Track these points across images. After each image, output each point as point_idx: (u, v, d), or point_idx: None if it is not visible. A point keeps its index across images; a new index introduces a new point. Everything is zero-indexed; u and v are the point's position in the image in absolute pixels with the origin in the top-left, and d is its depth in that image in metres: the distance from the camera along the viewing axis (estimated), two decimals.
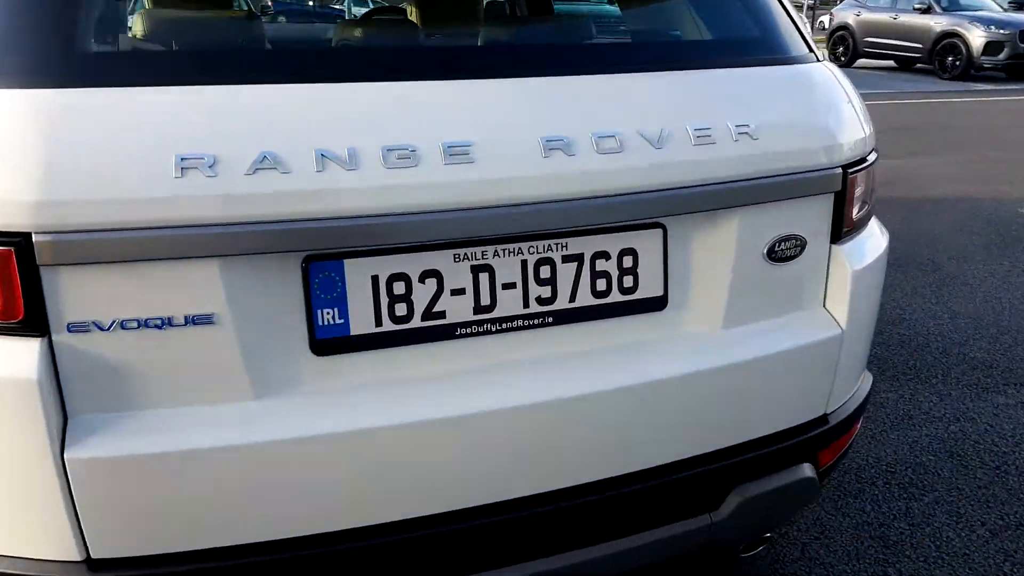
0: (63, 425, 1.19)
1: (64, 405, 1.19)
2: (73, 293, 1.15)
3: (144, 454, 1.20)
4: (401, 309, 1.32)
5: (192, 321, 1.20)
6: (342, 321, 1.30)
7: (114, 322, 1.18)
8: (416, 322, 1.33)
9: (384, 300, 1.31)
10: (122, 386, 1.21)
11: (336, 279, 1.28)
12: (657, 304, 1.48)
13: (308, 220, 1.20)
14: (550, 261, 1.38)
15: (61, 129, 1.13)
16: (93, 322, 1.17)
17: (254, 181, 1.17)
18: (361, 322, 1.31)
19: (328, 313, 1.29)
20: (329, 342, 1.30)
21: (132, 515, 1.22)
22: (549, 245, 1.38)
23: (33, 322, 1.15)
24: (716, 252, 1.49)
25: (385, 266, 1.30)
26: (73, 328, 1.17)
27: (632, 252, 1.43)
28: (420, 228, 1.26)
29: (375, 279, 1.30)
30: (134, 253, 1.15)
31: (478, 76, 1.34)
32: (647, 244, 1.44)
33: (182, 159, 1.15)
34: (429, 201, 1.25)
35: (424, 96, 1.30)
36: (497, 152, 1.28)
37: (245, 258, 1.21)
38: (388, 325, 1.32)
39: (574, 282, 1.41)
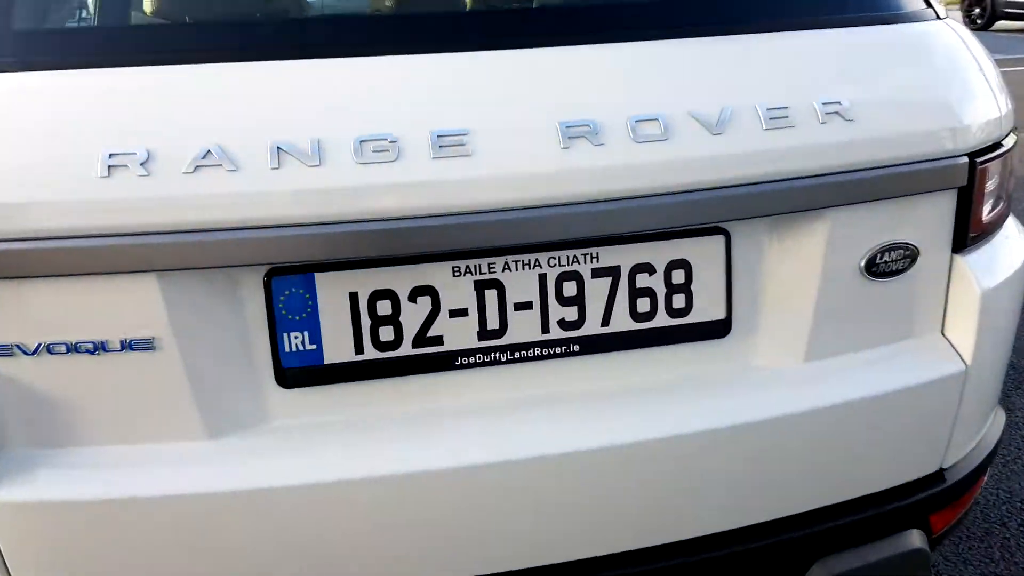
0: None
1: None
2: None
3: (77, 500, 1.04)
4: (387, 333, 1.08)
5: (129, 346, 1.02)
6: (314, 347, 1.07)
7: (40, 346, 1.01)
8: (406, 349, 1.09)
9: (366, 322, 1.07)
10: (56, 419, 1.05)
11: (306, 297, 1.06)
12: (718, 330, 1.18)
13: (262, 228, 0.99)
14: (576, 276, 1.11)
15: None
16: (16, 345, 1.01)
17: (195, 181, 0.97)
18: (337, 348, 1.08)
19: (296, 338, 1.07)
20: (298, 372, 1.08)
21: (69, 567, 1.06)
22: (574, 256, 1.10)
23: None
24: (796, 265, 1.18)
25: (366, 281, 1.06)
26: None
27: (684, 265, 1.14)
28: (404, 237, 1.01)
29: (354, 297, 1.06)
30: (57, 266, 0.98)
31: (476, 47, 1.09)
32: (704, 254, 1.14)
33: (110, 155, 0.96)
34: (413, 204, 1.00)
35: (407, 74, 1.06)
36: (501, 142, 1.02)
37: (190, 273, 1.01)
38: (371, 352, 1.09)
39: (608, 302, 1.13)
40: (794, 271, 1.18)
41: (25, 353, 1.01)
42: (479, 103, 1.04)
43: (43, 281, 0.98)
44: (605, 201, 1.05)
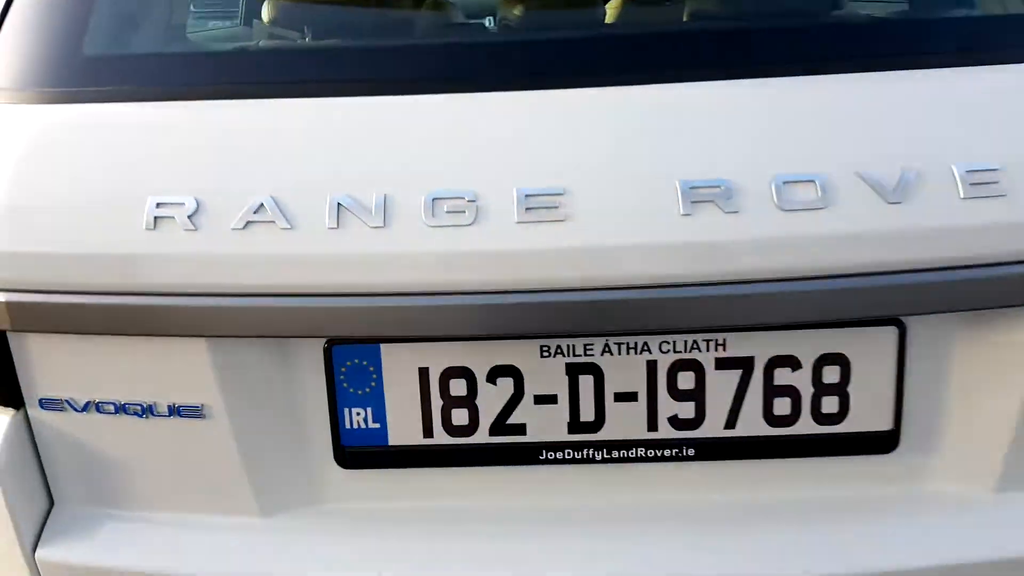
0: (46, 511, 0.99)
1: (49, 490, 1.00)
2: (41, 364, 0.93)
3: (123, 569, 0.96)
4: (460, 417, 0.92)
5: (178, 412, 0.92)
6: (378, 426, 0.93)
7: (89, 403, 0.94)
8: (482, 436, 0.93)
9: (436, 403, 0.92)
10: (107, 480, 0.98)
11: (370, 369, 0.91)
12: (881, 443, 0.93)
13: (318, 295, 0.85)
14: (694, 366, 0.90)
15: (18, 158, 0.91)
16: (67, 400, 0.95)
17: (245, 239, 0.85)
18: (404, 430, 0.93)
19: (359, 414, 0.93)
20: (359, 452, 0.94)
21: None
22: (694, 342, 0.89)
23: (5, 392, 0.95)
24: (992, 371, 0.90)
25: (438, 356, 0.91)
26: (46, 404, 0.95)
27: (840, 360, 0.90)
28: (478, 316, 0.85)
29: (424, 373, 0.91)
30: (102, 323, 0.90)
31: (574, 84, 0.89)
32: (868, 350, 0.89)
33: (158, 204, 0.86)
34: (492, 277, 0.83)
35: (488, 116, 0.88)
36: (603, 205, 0.83)
37: (241, 339, 0.89)
38: (442, 437, 0.93)
39: (735, 400, 0.91)
40: (990, 378, 0.90)
41: (75, 409, 0.94)
42: (577, 155, 0.85)
43: (90, 337, 0.90)
44: (738, 283, 0.83)
